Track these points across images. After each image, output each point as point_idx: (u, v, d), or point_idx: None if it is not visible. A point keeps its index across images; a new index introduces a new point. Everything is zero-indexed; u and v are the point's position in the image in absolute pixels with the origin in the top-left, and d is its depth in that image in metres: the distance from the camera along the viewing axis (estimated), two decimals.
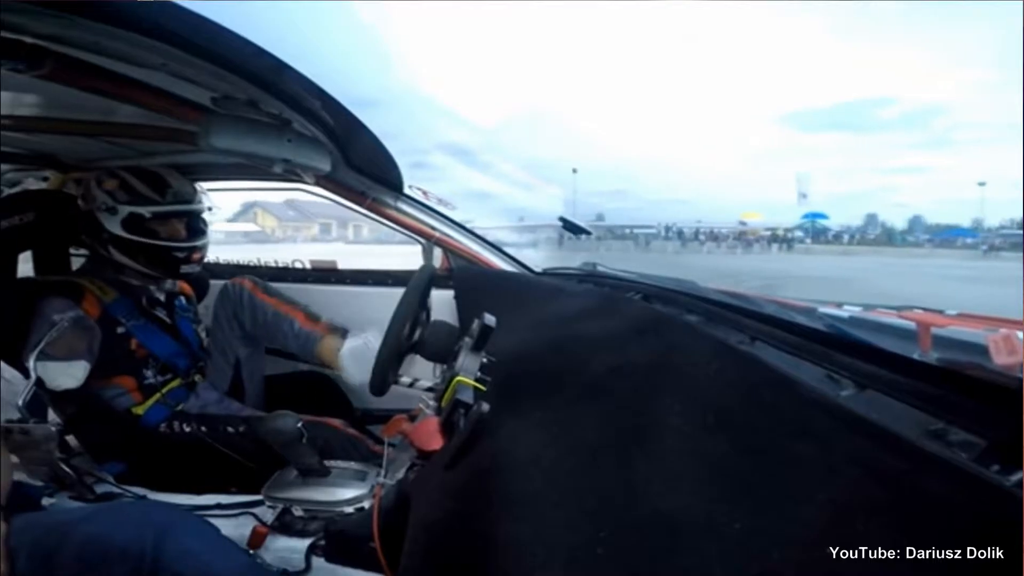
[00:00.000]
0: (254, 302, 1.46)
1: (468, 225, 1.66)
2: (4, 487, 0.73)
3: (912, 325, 0.97)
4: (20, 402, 0.99)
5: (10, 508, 0.72)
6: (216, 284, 1.71)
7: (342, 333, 1.40)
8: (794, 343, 0.56)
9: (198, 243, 1.43)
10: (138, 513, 0.78)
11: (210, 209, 1.48)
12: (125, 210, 1.34)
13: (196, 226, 1.44)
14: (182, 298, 1.52)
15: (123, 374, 1.34)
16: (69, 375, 1.18)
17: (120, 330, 1.33)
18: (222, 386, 1.47)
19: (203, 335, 1.55)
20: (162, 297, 1.45)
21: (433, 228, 1.60)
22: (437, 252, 1.64)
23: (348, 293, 1.68)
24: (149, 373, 1.36)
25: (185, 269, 1.43)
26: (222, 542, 0.79)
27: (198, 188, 1.46)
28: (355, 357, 1.33)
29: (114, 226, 1.34)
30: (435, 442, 0.65)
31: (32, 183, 1.66)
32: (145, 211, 1.35)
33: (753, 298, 1.09)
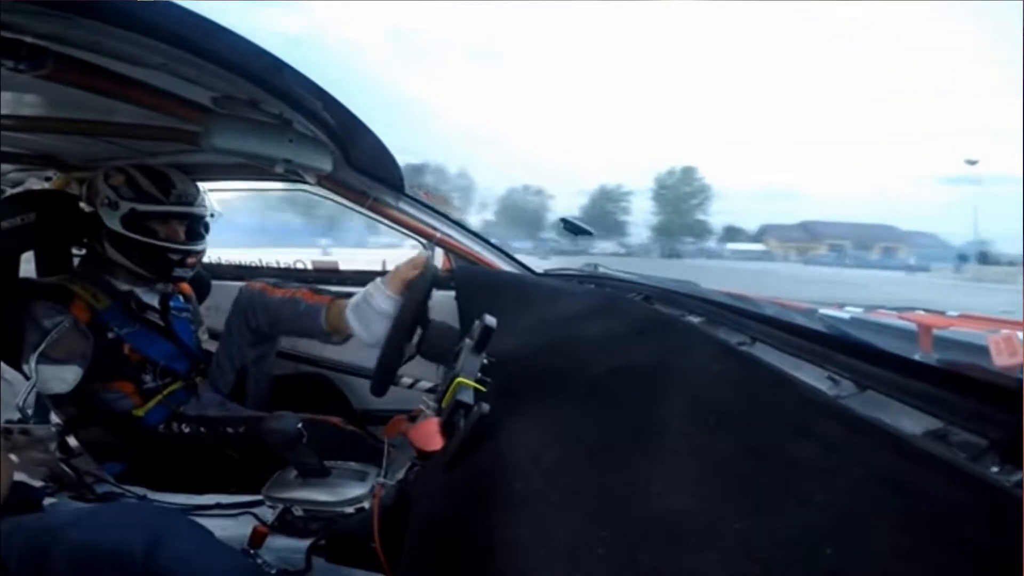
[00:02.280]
0: (265, 300, 1.44)
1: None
2: (3, 486, 0.73)
3: (912, 326, 0.97)
4: (20, 402, 0.99)
5: (10, 508, 0.72)
6: (218, 285, 1.72)
7: (348, 297, 1.35)
8: (795, 344, 0.56)
9: (195, 247, 1.41)
10: (131, 516, 0.77)
11: (212, 216, 1.47)
12: (126, 206, 1.32)
13: (196, 230, 1.42)
14: (180, 297, 1.51)
15: (121, 379, 1.33)
16: (60, 379, 1.18)
17: (110, 335, 1.32)
18: (224, 389, 1.47)
19: (202, 336, 1.54)
20: (154, 300, 1.43)
21: (434, 228, 1.60)
22: (438, 252, 1.65)
23: (350, 294, 1.68)
24: (148, 378, 1.36)
25: (178, 272, 1.41)
26: (216, 544, 0.78)
27: (202, 191, 1.45)
28: (358, 314, 1.28)
29: (113, 222, 1.33)
30: (435, 442, 0.65)
31: (35, 183, 1.66)
32: (146, 209, 1.33)
33: (754, 299, 1.09)
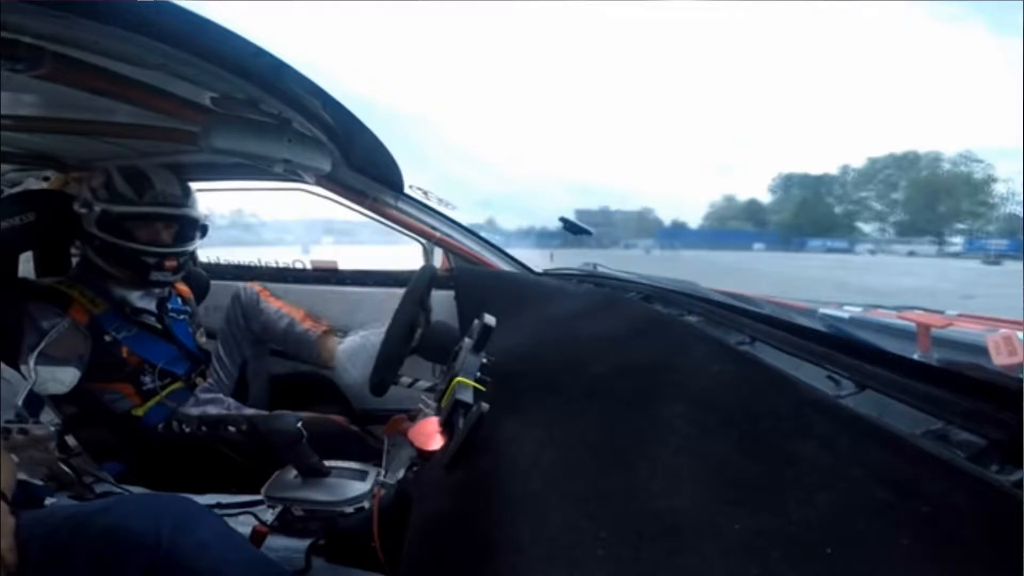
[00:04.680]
0: (260, 305, 1.48)
1: None
2: (5, 482, 0.73)
3: (911, 325, 0.97)
4: (19, 402, 0.99)
5: (15, 506, 0.72)
6: (217, 285, 1.72)
7: (342, 333, 1.41)
8: (794, 343, 0.56)
9: (174, 250, 1.36)
10: (154, 504, 0.78)
11: (206, 217, 1.46)
12: (99, 207, 1.30)
13: (182, 232, 1.37)
14: (178, 299, 1.51)
15: (120, 381, 1.33)
16: (58, 381, 1.18)
17: (108, 339, 1.31)
18: (227, 386, 1.47)
19: (202, 338, 1.54)
20: (151, 304, 1.41)
21: (434, 228, 1.60)
22: (437, 252, 1.65)
23: (348, 293, 1.68)
24: (147, 379, 1.35)
25: (156, 276, 1.35)
26: (234, 535, 0.79)
27: (192, 193, 1.41)
28: (351, 356, 1.34)
29: (89, 224, 1.30)
30: (435, 442, 0.65)
31: (33, 183, 1.66)
32: (119, 210, 1.30)
33: (753, 299, 1.09)
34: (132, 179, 1.33)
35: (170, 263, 1.36)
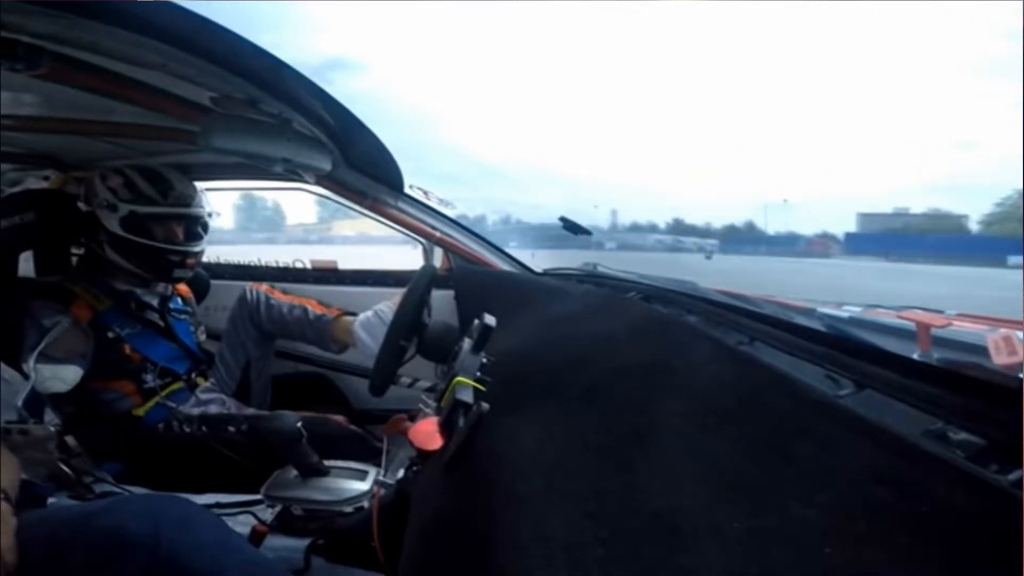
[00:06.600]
0: (270, 302, 1.50)
1: None
2: (7, 481, 0.73)
3: (911, 325, 0.97)
4: (19, 402, 0.99)
5: (17, 505, 0.72)
6: (217, 284, 1.72)
7: (354, 314, 1.47)
8: (793, 343, 0.56)
9: (193, 248, 1.42)
10: (153, 505, 0.78)
11: (210, 215, 1.48)
12: (125, 208, 1.33)
13: (194, 230, 1.43)
14: (178, 299, 1.52)
15: (121, 378, 1.34)
16: (60, 379, 1.19)
17: (110, 335, 1.33)
18: (230, 387, 1.48)
19: (202, 336, 1.55)
20: (154, 301, 1.44)
21: (434, 228, 1.60)
22: (437, 252, 1.65)
23: (348, 293, 1.68)
24: (148, 377, 1.36)
25: (178, 273, 1.42)
26: (232, 537, 0.79)
27: (200, 191, 1.46)
28: (368, 328, 1.40)
29: (113, 224, 1.34)
30: (435, 442, 0.65)
31: (33, 182, 1.66)
32: (145, 211, 1.35)
33: (752, 299, 1.09)
34: (154, 181, 1.38)
35: (191, 260, 1.43)
